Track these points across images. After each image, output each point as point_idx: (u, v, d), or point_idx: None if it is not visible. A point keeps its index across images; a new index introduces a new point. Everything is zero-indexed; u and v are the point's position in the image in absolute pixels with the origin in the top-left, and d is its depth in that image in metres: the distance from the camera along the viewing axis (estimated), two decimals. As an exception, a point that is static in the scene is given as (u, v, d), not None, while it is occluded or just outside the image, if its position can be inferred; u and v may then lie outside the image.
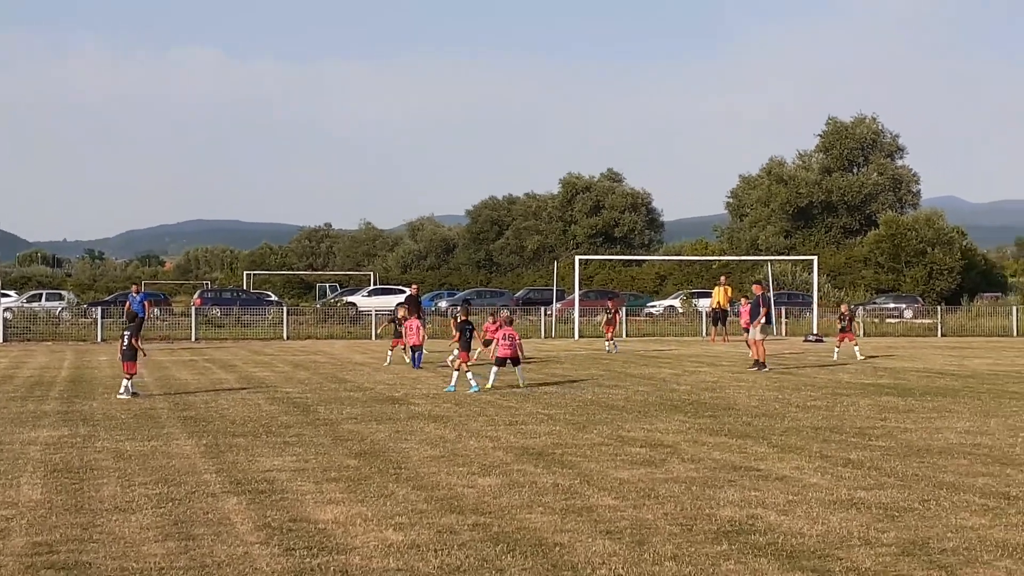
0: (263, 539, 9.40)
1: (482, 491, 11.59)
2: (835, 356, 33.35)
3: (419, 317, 34.80)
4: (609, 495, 11.32)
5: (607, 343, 37.29)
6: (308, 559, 8.71)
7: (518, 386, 23.21)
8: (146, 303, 41.21)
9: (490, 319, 27.69)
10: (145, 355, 22.52)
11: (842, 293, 75.98)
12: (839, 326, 34.51)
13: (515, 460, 13.66)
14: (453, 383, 22.98)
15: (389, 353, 31.09)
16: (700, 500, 11.00)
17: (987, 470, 12.75)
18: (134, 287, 44.03)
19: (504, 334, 23.90)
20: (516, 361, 23.80)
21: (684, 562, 8.55)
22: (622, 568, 8.40)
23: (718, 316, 46.07)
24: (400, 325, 30.86)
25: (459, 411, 18.89)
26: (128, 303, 40.60)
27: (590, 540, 9.31)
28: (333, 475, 12.55)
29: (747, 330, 30.50)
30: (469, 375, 22.86)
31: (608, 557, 8.72)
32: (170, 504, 10.86)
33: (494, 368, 23.71)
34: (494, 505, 10.84)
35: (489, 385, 23.02)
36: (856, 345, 34.05)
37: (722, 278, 48.18)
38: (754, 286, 30.65)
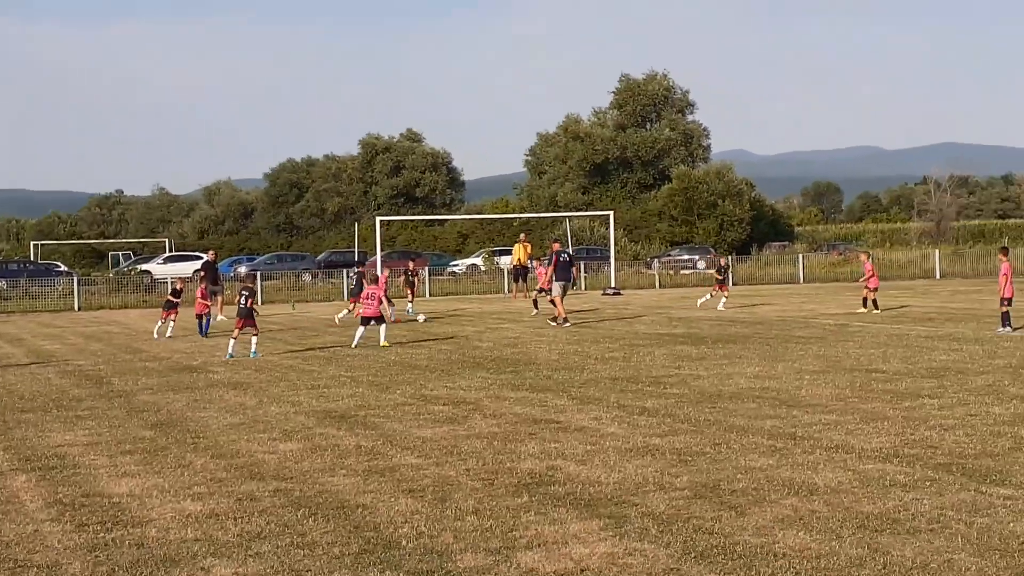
0: (54, 516, 9.09)
1: (283, 456, 11.46)
2: (721, 306, 34.01)
3: (216, 283, 34.08)
4: (412, 454, 11.35)
5: (408, 305, 37.21)
6: (102, 534, 8.46)
7: (380, 345, 23.30)
8: None
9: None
10: None
11: (639, 247, 77.81)
12: (717, 278, 35.57)
13: (317, 424, 13.55)
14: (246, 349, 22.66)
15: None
16: (501, 455, 11.13)
17: (774, 412, 13.28)
18: None
19: (368, 293, 23.74)
20: (380, 320, 23.65)
21: (485, 516, 8.64)
22: (424, 525, 8.43)
23: (519, 273, 46.62)
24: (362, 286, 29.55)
25: (260, 377, 18.62)
26: None
27: (392, 500, 9.32)
28: (128, 448, 12.21)
29: (542, 290, 31.18)
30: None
31: (411, 515, 8.75)
32: (-47, 486, 10.39)
33: (360, 328, 23.77)
34: (295, 470, 10.74)
35: (354, 345, 23.27)
36: (725, 297, 34.89)
37: (521, 235, 48.70)
38: (553, 244, 31.18)
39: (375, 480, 10.13)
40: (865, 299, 32.10)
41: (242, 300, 23.07)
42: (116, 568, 7.58)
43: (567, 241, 60.09)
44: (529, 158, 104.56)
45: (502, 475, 10.15)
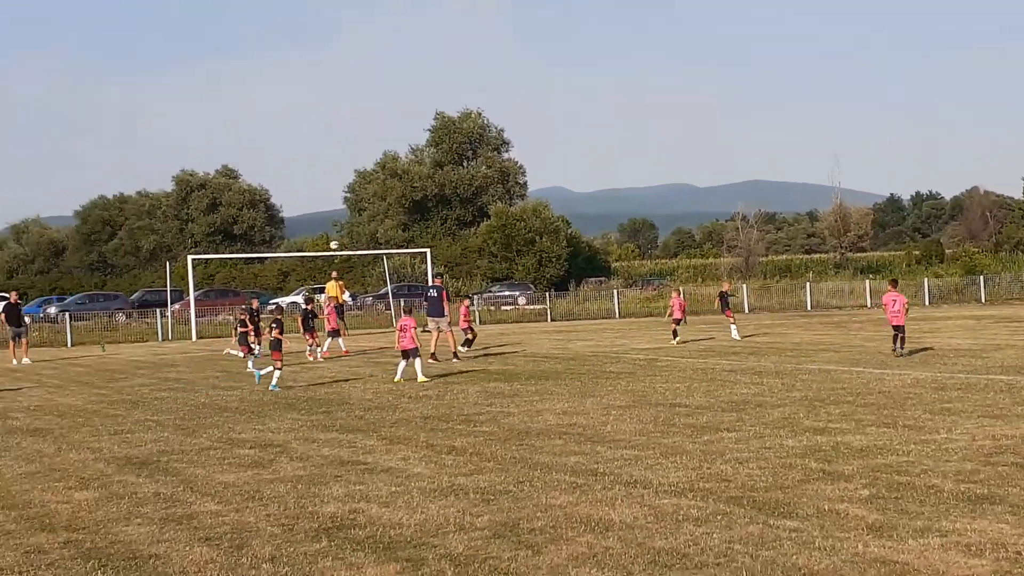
0: None
1: (77, 506, 11.06)
2: (734, 334, 34.22)
3: (18, 325, 32.96)
4: (212, 500, 11.08)
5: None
6: None
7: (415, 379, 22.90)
8: None
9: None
10: None
11: (460, 283, 78.14)
12: (719, 305, 35.79)
13: (116, 471, 13.12)
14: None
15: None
16: (304, 498, 10.96)
17: (579, 448, 13.43)
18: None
19: (402, 325, 23.30)
20: (416, 353, 23.14)
21: (282, 563, 8.48)
22: (218, 574, 8.23)
23: (339, 310, 46.14)
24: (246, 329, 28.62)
25: (62, 423, 17.98)
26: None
27: (187, 548, 9.07)
28: None
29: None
30: None
31: (205, 565, 8.53)
32: None
33: (402, 363, 23.34)
34: (88, 520, 10.37)
35: (396, 379, 23.03)
36: (733, 324, 35.11)
37: (334, 273, 48.31)
38: (436, 279, 31.52)
39: (171, 528, 9.85)
40: (674, 332, 33.03)
41: (273, 332, 23.12)
42: None
43: (387, 278, 59.92)
44: (348, 195, 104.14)
45: (303, 520, 9.99)
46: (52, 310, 66.04)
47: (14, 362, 32.35)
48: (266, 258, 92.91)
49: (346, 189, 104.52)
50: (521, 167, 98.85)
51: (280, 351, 23.04)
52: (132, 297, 72.42)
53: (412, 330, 23.12)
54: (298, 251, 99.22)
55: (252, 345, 28.56)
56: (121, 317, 58.68)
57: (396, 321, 28.70)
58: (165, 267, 62.26)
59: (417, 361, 23.16)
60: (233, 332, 32.25)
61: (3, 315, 34.84)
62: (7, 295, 74.01)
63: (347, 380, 24.26)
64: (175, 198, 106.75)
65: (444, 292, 30.28)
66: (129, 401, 21.30)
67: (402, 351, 23.30)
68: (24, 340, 34.30)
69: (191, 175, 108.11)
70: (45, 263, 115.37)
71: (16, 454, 14.80)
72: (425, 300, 31.00)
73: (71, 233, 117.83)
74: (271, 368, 22.87)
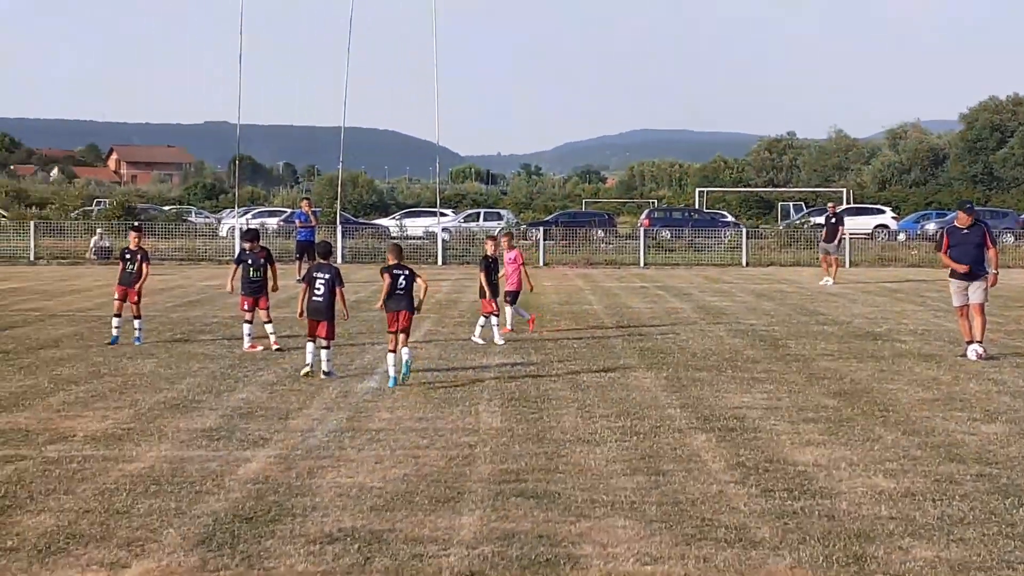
0: (738, 478, 9.99)
1: (986, 439, 11.67)
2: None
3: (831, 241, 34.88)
4: None
5: None
6: (790, 502, 9.20)
7: None
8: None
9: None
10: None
11: None
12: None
13: (1025, 406, 13.54)
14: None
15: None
16: None
17: None
18: None
19: None
20: None
21: None
22: None
23: None
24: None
25: (954, 350, 18.70)
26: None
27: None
28: (810, 415, 12.98)
29: None
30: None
31: None
32: (635, 438, 11.69)
33: None
34: (1000, 455, 10.92)
35: None
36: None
37: None
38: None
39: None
40: None
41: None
42: (807, 537, 8.26)
43: None
44: None
45: None
46: (931, 226, 67.80)
47: (825, 281, 34.71)
48: None
49: None
50: None
51: None
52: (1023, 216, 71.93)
53: None
54: None
55: None
56: (1010, 238, 58.70)
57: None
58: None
59: None
60: None
61: (824, 229, 37.29)
62: (885, 208, 77.24)
63: None
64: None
65: None
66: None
67: None
68: (835, 258, 36.29)
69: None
70: (922, 173, 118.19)
71: (909, 379, 15.79)
72: None
73: (954, 140, 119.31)
74: None
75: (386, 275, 15.13)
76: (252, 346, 18.48)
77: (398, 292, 15.10)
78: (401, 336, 15.12)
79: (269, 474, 10.20)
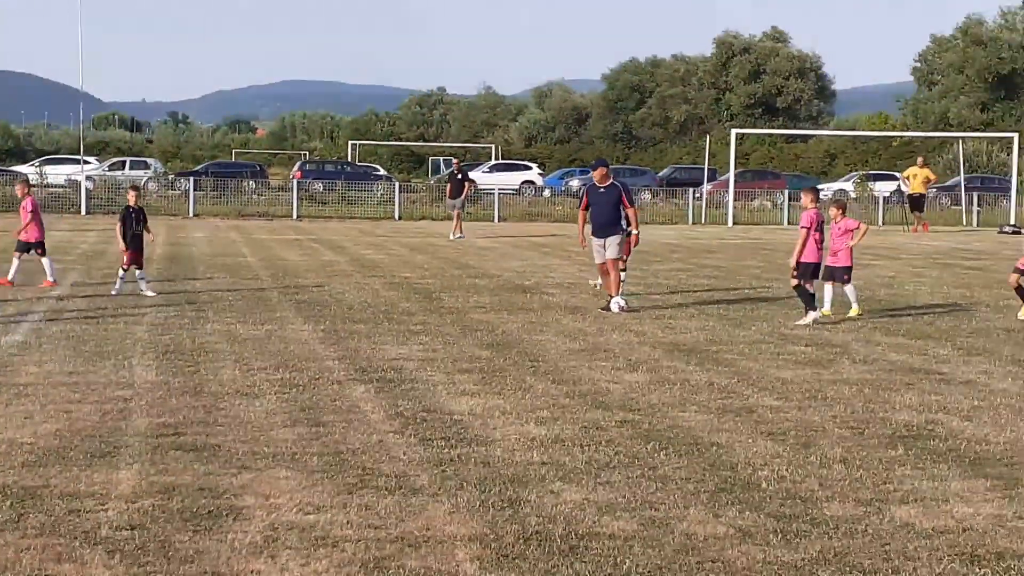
0: (397, 428, 10.20)
1: (628, 387, 12.26)
2: None
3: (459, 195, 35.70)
4: (770, 395, 11.90)
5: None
6: (447, 450, 9.47)
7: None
8: None
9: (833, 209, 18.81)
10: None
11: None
12: None
13: (664, 356, 14.29)
14: None
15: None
16: (873, 403, 11.52)
17: None
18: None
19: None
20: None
21: (854, 466, 9.10)
22: (785, 470, 8.98)
23: (916, 202, 45.48)
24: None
25: (598, 303, 19.51)
26: None
27: (750, 441, 9.91)
28: (465, 366, 13.33)
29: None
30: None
31: (771, 458, 9.32)
32: (294, 390, 11.75)
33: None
34: (642, 402, 11.51)
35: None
36: None
37: (919, 159, 47.59)
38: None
39: (729, 419, 10.75)
40: None
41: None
42: (464, 483, 8.53)
43: (959, 166, 58.29)
44: (917, 65, 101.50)
45: (874, 425, 10.56)
46: (575, 183, 70.10)
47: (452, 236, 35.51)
48: (812, 136, 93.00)
49: (915, 58, 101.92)
50: None
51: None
52: (660, 174, 75.29)
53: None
54: (850, 130, 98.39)
55: None
56: (647, 195, 61.31)
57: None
58: (704, 141, 64.15)
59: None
60: None
61: (448, 185, 38.12)
62: (531, 164, 79.17)
63: (909, 281, 24.30)
64: (713, 63, 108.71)
65: None
66: (666, 286, 22.66)
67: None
68: (457, 212, 36.94)
69: (734, 37, 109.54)
70: (566, 131, 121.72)
71: (557, 330, 16.39)
72: None
73: (596, 99, 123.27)
74: None
75: None
76: None
77: None
78: None
79: (-90, 432, 9.75)
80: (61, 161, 67.83)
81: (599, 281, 20.08)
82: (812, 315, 17.18)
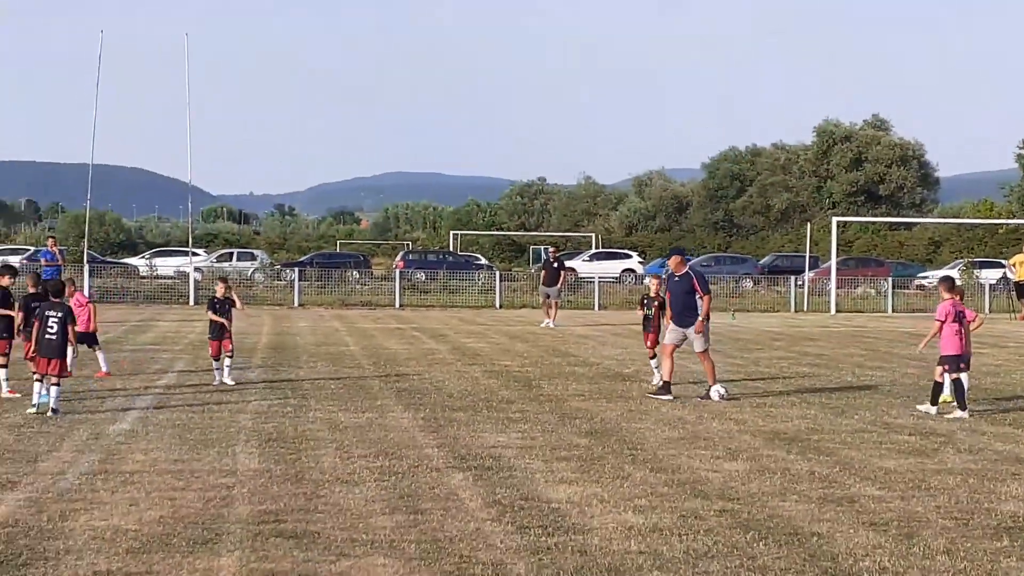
0: (494, 516, 10.21)
1: (728, 476, 12.16)
2: None
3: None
4: (873, 485, 11.73)
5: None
6: (544, 538, 9.45)
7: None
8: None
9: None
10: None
11: None
12: None
13: (764, 445, 14.17)
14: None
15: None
16: (978, 493, 11.32)
17: None
18: None
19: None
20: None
21: (958, 557, 8.94)
22: (888, 561, 8.85)
23: (1022, 290, 44.75)
24: None
25: (698, 390, 19.41)
26: None
27: (851, 531, 9.78)
28: (563, 454, 13.33)
29: None
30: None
31: (872, 549, 9.18)
32: (393, 477, 11.81)
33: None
34: (742, 491, 11.41)
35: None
36: None
37: (1024, 245, 46.83)
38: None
39: (831, 509, 10.61)
40: None
41: None
42: (560, 572, 8.52)
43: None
44: (1022, 152, 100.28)
45: (979, 515, 10.37)
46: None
47: (546, 323, 35.19)
48: (915, 223, 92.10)
49: (1020, 145, 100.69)
50: None
51: None
52: (761, 262, 74.93)
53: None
54: (954, 217, 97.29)
55: None
56: (749, 283, 61.03)
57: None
58: (806, 229, 63.77)
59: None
60: None
61: (543, 272, 37.90)
62: (632, 253, 79.05)
63: (1016, 369, 23.88)
64: (815, 151, 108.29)
65: None
66: (768, 375, 22.48)
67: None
68: (555, 301, 36.42)
69: (835, 125, 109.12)
70: (667, 219, 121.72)
71: (656, 418, 16.33)
72: None
73: (696, 188, 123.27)
74: None
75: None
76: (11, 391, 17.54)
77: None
78: None
79: (19, 518, 9.95)
80: (170, 253, 69.13)
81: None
82: (960, 413, 16.72)
